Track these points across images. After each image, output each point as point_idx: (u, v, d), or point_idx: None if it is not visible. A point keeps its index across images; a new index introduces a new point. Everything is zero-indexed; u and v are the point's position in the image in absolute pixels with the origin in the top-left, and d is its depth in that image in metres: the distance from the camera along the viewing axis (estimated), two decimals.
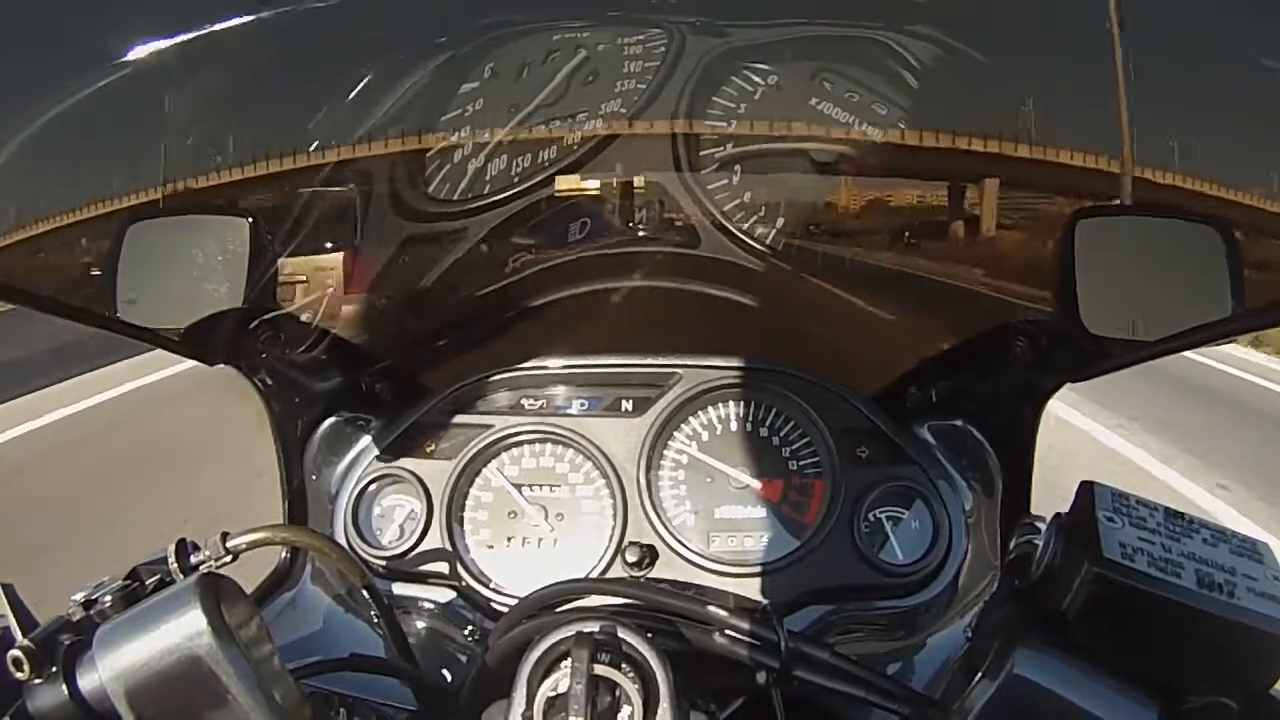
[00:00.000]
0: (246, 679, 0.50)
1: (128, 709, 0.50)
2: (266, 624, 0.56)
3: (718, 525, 0.97)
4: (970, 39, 0.87)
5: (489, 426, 1.01)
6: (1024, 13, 0.87)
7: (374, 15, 0.90)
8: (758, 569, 0.93)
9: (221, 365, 0.89)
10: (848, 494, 0.94)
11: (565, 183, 1.05)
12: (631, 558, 0.92)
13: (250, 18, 0.77)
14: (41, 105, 0.72)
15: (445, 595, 0.97)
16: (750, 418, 1.00)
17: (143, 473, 4.00)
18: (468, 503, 0.99)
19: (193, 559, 0.61)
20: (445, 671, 0.84)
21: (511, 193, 1.03)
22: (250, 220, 0.86)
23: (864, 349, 1.14)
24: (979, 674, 0.55)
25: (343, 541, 0.97)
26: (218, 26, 0.76)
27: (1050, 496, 0.74)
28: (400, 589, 0.97)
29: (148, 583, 0.58)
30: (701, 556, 0.94)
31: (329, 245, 1.05)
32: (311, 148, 0.94)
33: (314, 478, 1.00)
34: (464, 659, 0.89)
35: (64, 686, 0.51)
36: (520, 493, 0.99)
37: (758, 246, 1.04)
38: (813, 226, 1.09)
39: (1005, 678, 0.53)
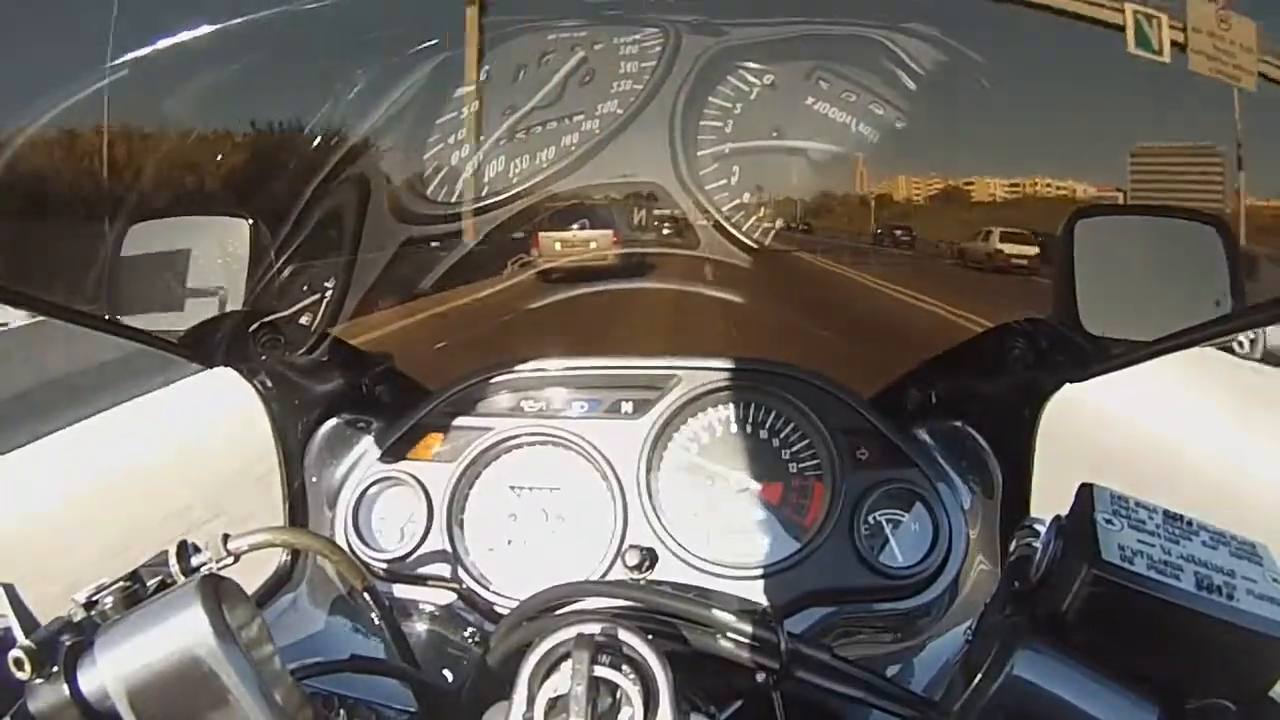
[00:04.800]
0: (248, 680, 0.50)
1: (129, 709, 0.50)
2: (267, 625, 0.56)
3: (718, 527, 0.97)
4: (967, 39, 0.87)
5: (489, 429, 1.01)
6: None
7: (370, 16, 0.90)
8: (758, 571, 0.93)
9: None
10: (847, 496, 0.94)
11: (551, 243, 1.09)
12: (632, 560, 0.92)
13: (244, 18, 0.77)
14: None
15: (445, 597, 0.97)
16: (750, 420, 1.00)
17: None
18: (468, 505, 0.99)
19: (194, 561, 0.61)
20: (446, 673, 0.84)
21: (510, 194, 1.03)
22: (250, 222, 0.86)
23: (863, 351, 1.14)
24: (979, 675, 0.55)
25: (343, 544, 0.97)
26: (212, 27, 0.76)
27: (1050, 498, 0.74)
28: (401, 591, 0.97)
29: (149, 584, 0.59)
30: (701, 559, 0.94)
31: (329, 248, 1.05)
32: (311, 147, 0.94)
33: (314, 480, 1.00)
34: (464, 660, 0.89)
35: (65, 686, 0.51)
36: (520, 495, 0.99)
37: (757, 247, 1.04)
38: (812, 228, 1.09)
39: (1005, 679, 0.53)
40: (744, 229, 1.03)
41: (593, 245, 1.10)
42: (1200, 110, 0.80)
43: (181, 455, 4.38)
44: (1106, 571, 0.51)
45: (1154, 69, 0.77)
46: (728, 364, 1.01)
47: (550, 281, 1.14)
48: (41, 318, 0.80)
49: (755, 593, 0.92)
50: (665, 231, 1.09)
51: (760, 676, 0.64)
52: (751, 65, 0.97)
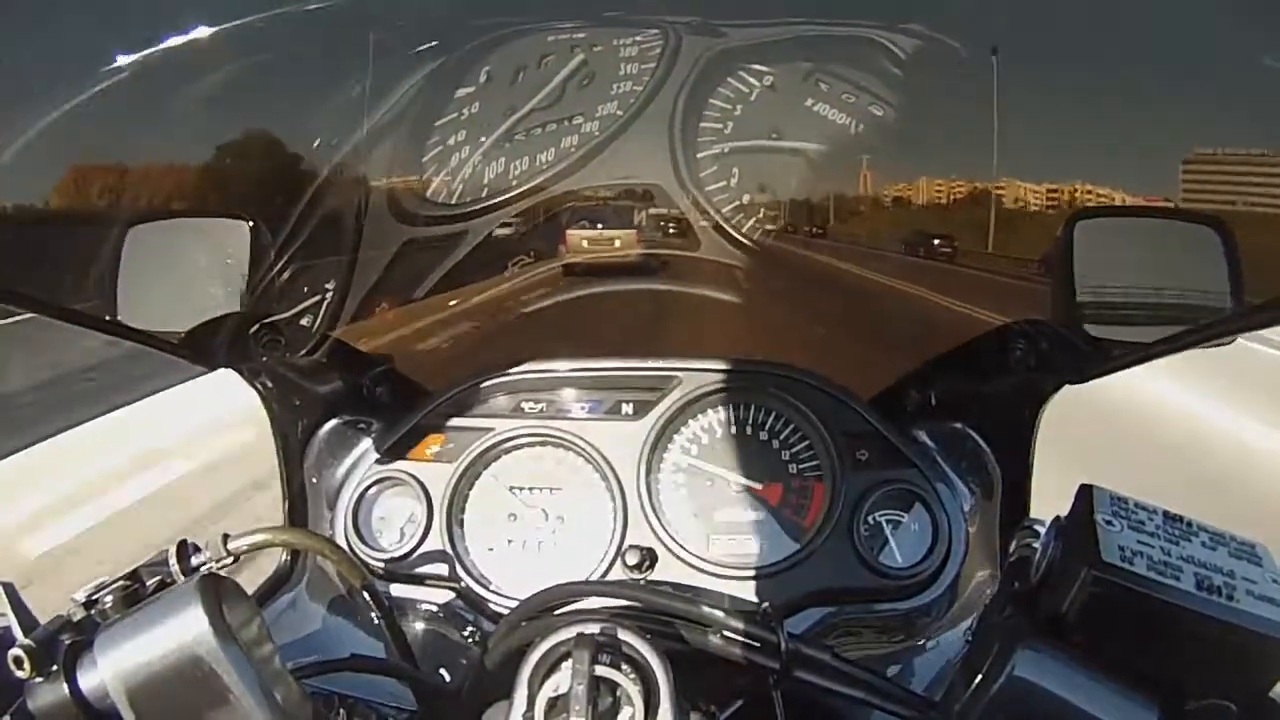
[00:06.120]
0: (248, 679, 0.50)
1: (128, 708, 0.50)
2: (267, 625, 0.56)
3: (717, 528, 0.97)
4: (966, 39, 0.87)
5: (489, 429, 1.01)
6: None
7: (370, 17, 0.91)
8: (757, 571, 0.93)
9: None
10: (847, 497, 0.94)
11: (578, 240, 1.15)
12: (631, 560, 0.92)
13: (243, 20, 0.77)
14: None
15: (445, 597, 0.97)
16: (750, 421, 1.00)
17: None
18: (468, 505, 0.99)
19: (194, 560, 0.61)
20: (445, 672, 0.84)
21: (510, 196, 1.03)
22: (251, 223, 0.86)
23: (863, 352, 1.14)
24: (979, 676, 0.55)
25: (343, 544, 0.97)
26: (211, 29, 0.76)
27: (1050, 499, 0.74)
28: (400, 591, 0.97)
29: (149, 583, 0.59)
30: (701, 559, 0.94)
31: (329, 249, 1.05)
32: (312, 149, 0.94)
33: (314, 480, 1.00)
34: (464, 660, 0.89)
35: (65, 685, 0.51)
36: (520, 495, 0.99)
37: (757, 249, 1.04)
38: (812, 229, 1.09)
39: (1005, 679, 0.53)
40: (744, 230, 1.03)
41: (617, 244, 1.14)
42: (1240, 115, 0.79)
43: None
44: (1106, 572, 0.51)
45: (1173, 70, 0.76)
46: (728, 365, 1.01)
47: (549, 283, 1.14)
48: None
49: (755, 593, 0.92)
50: (666, 233, 1.09)
51: (760, 676, 0.64)
52: (751, 67, 0.97)
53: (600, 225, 1.14)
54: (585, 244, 1.14)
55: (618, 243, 1.14)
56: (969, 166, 1.01)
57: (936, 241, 1.09)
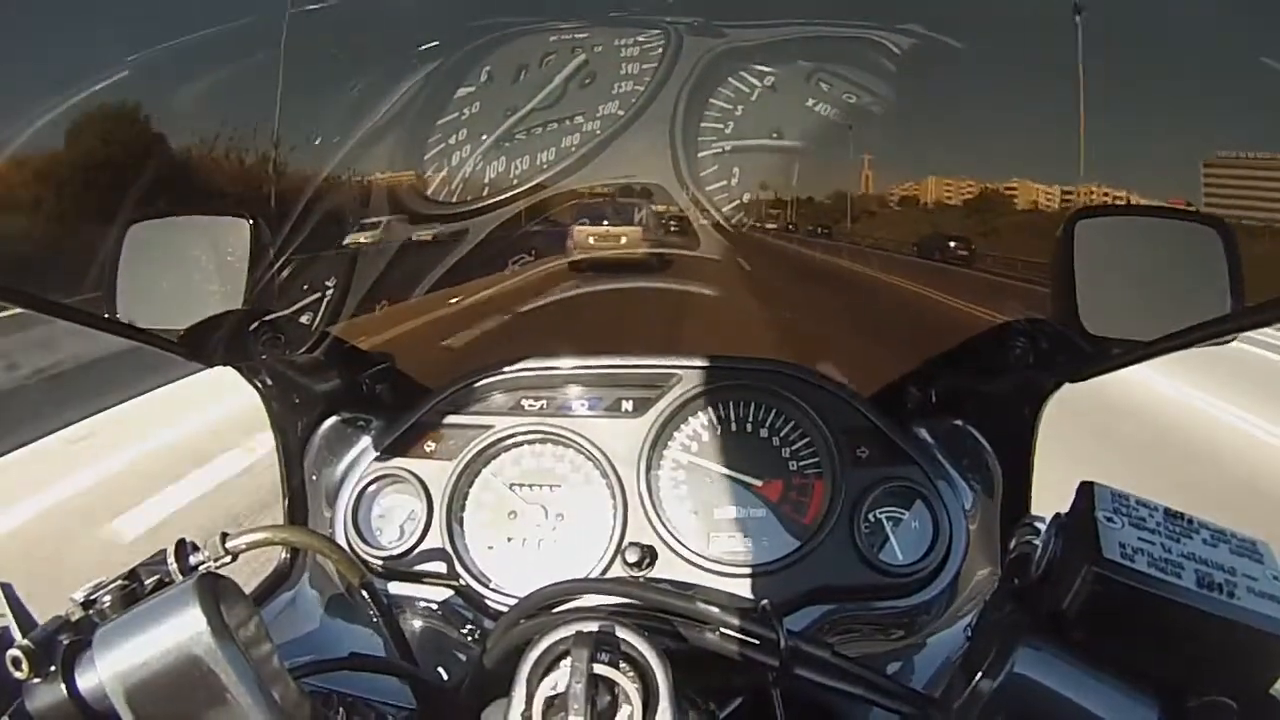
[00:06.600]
0: (246, 678, 0.50)
1: (126, 708, 0.50)
2: (266, 624, 0.56)
3: (717, 525, 0.97)
4: (966, 40, 0.87)
5: (489, 427, 1.01)
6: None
7: (372, 17, 0.91)
8: (757, 569, 0.93)
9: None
10: (847, 494, 0.94)
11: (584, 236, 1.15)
12: (631, 558, 0.92)
13: (248, 19, 0.77)
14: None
15: (444, 595, 0.97)
16: (750, 418, 1.00)
17: None
18: (468, 503, 0.99)
19: (192, 559, 0.61)
20: (444, 671, 0.84)
21: (511, 194, 1.03)
22: (251, 221, 0.86)
23: (864, 350, 1.14)
24: (979, 673, 0.55)
25: (342, 542, 0.97)
26: (216, 27, 0.76)
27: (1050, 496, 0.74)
28: (399, 589, 0.97)
29: (147, 583, 0.58)
30: (701, 556, 0.94)
31: (329, 247, 1.05)
32: (313, 147, 0.94)
33: (314, 478, 1.00)
34: (463, 658, 0.89)
35: (63, 686, 0.51)
36: (520, 493, 0.99)
37: (757, 247, 1.04)
38: (812, 228, 1.09)
39: (1006, 677, 0.53)
40: (744, 228, 1.03)
41: (623, 240, 1.15)
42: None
43: None
44: (1107, 569, 0.51)
45: (1192, 73, 0.76)
46: (728, 363, 1.01)
47: (551, 281, 1.14)
48: None
49: (755, 590, 0.92)
50: (667, 230, 1.09)
51: (760, 674, 0.64)
52: (751, 67, 0.97)
53: (605, 222, 1.14)
54: (592, 240, 1.14)
55: (624, 239, 1.14)
56: (970, 166, 1.01)
57: (953, 244, 1.09)
